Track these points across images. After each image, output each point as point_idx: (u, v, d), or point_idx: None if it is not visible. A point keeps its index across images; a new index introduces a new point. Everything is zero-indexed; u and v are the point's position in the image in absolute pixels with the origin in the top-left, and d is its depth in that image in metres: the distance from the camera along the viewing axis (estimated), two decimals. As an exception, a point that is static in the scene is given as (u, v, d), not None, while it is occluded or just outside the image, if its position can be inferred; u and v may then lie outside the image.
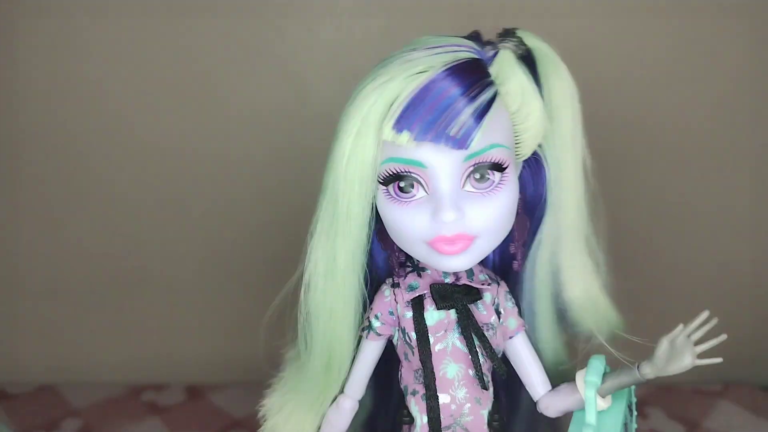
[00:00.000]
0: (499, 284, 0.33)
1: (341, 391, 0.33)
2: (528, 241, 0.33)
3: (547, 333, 0.34)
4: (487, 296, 0.32)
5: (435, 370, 0.31)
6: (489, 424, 0.32)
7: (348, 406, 0.33)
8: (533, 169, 0.32)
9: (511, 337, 0.33)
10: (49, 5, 0.58)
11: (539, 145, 0.32)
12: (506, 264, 0.34)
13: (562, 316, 0.34)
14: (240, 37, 0.60)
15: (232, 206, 0.63)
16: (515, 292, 0.34)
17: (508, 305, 0.33)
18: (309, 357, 0.32)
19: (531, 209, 0.32)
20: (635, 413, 0.34)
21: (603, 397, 0.31)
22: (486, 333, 0.32)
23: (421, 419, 0.32)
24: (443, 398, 0.31)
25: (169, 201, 0.63)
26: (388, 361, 0.34)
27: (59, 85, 0.60)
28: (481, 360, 0.31)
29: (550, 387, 0.32)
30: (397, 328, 0.32)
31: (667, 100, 0.59)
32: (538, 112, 0.30)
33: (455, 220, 0.28)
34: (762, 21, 0.57)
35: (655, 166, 0.60)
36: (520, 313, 0.34)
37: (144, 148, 0.62)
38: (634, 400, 0.34)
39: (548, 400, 0.32)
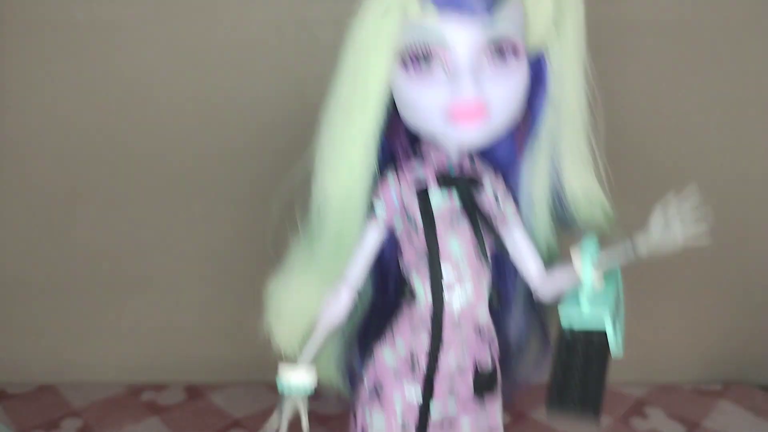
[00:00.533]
0: (497, 176, 0.35)
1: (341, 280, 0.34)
2: (529, 136, 0.35)
3: (543, 225, 0.36)
4: (488, 185, 0.34)
5: (440, 247, 0.32)
6: (489, 302, 0.33)
7: (346, 293, 0.34)
8: (536, 74, 0.34)
9: (508, 228, 0.35)
10: None
11: (544, 48, 0.34)
12: (503, 163, 0.36)
13: (558, 209, 0.36)
14: (240, 37, 0.60)
15: (232, 206, 0.63)
16: (513, 187, 0.36)
17: (504, 195, 0.35)
18: (321, 237, 0.33)
19: (532, 109, 0.34)
20: (623, 306, 0.35)
21: (597, 270, 0.32)
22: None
23: (424, 291, 0.33)
24: (446, 268, 0.32)
25: (168, 201, 0.63)
26: (387, 256, 0.36)
27: (57, 82, 0.60)
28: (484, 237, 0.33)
29: (545, 272, 0.34)
30: (400, 215, 0.34)
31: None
32: (549, 4, 0.32)
33: (474, 92, 0.30)
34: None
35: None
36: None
37: (144, 149, 0.62)
38: (621, 287, 0.35)
39: (544, 282, 0.34)
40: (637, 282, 0.64)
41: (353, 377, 0.36)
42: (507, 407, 0.59)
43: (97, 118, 0.61)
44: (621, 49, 0.56)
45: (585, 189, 0.34)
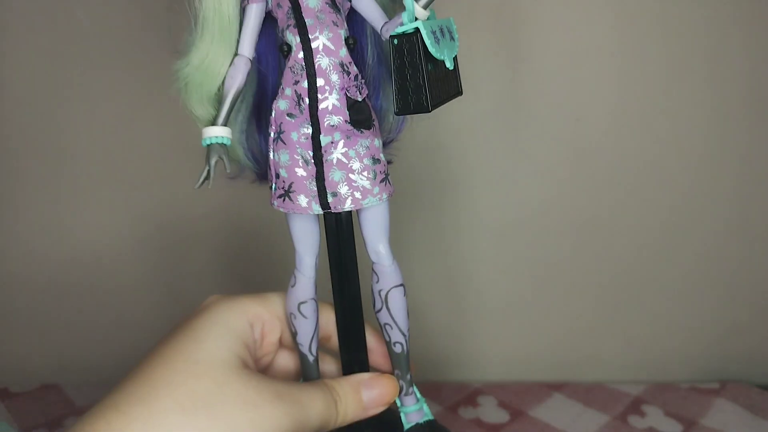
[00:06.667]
0: None
1: (236, 53, 0.39)
2: None
3: None
4: None
5: (300, 3, 0.38)
6: (346, 42, 0.38)
7: (242, 62, 0.39)
8: None
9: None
10: None
11: None
12: None
13: None
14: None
15: (234, 207, 0.63)
16: None
17: None
18: (204, 28, 0.38)
19: None
20: (447, 37, 0.39)
21: (424, 9, 0.36)
22: None
23: (294, 41, 0.38)
24: (309, 19, 0.38)
25: (168, 202, 0.64)
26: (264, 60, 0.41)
27: (52, 85, 0.61)
28: None
29: (387, 20, 0.39)
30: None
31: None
32: None
33: None
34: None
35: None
36: None
37: (142, 149, 0.62)
38: (445, 23, 0.39)
39: (385, 26, 0.38)
40: (636, 281, 0.65)
41: (255, 155, 0.42)
42: (506, 406, 0.60)
43: (98, 120, 0.61)
44: None
45: None
